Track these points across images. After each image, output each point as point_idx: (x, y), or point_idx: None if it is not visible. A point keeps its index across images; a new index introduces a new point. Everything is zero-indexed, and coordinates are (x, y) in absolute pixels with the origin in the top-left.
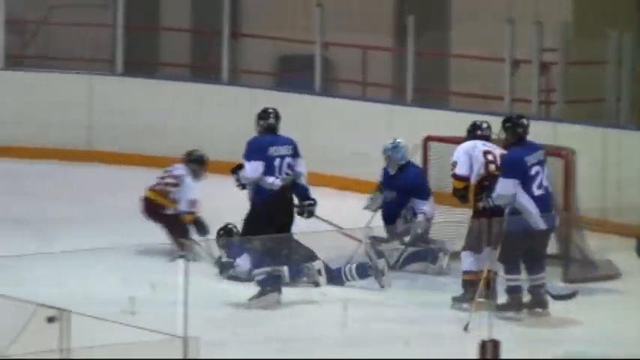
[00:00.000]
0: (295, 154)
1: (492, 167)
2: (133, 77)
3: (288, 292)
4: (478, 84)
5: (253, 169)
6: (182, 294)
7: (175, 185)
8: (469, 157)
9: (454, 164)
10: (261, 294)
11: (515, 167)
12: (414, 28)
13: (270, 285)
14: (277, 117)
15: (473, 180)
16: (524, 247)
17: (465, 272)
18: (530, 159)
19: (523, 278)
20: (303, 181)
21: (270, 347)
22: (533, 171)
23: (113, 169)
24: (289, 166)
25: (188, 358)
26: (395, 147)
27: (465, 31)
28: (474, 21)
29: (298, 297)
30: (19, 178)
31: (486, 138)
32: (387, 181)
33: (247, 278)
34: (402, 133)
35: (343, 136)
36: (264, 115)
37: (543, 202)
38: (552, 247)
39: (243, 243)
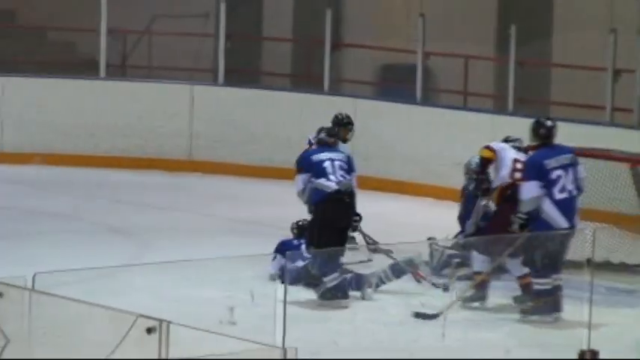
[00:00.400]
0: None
1: (518, 176)
2: (235, 87)
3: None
4: (580, 93)
5: None
6: (281, 304)
7: None
8: (504, 153)
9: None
10: (328, 297)
11: (533, 169)
12: (516, 37)
13: (341, 291)
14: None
15: (496, 183)
16: (548, 249)
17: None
18: (552, 162)
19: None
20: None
21: (369, 357)
22: (554, 175)
23: (213, 179)
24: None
25: None
26: None
27: (567, 40)
28: (576, 30)
29: (395, 306)
30: (120, 187)
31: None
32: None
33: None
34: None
35: (444, 146)
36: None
37: (566, 206)
38: None
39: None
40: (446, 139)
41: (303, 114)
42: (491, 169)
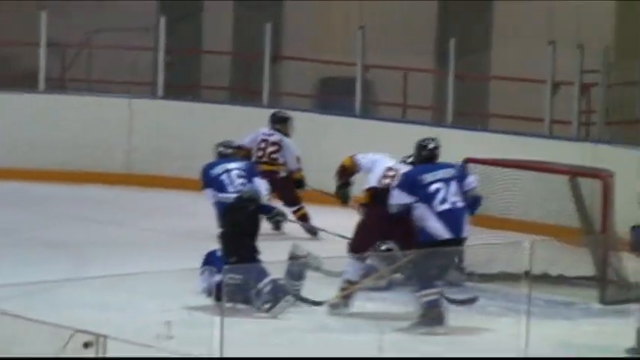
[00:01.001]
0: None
1: (386, 182)
2: (174, 100)
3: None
4: (518, 106)
5: None
6: (219, 318)
7: (278, 150)
8: (372, 163)
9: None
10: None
11: (405, 183)
12: (455, 49)
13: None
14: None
15: (364, 187)
16: (432, 260)
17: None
18: (428, 177)
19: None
20: None
21: None
22: (431, 188)
23: (152, 193)
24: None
25: None
26: None
27: (506, 53)
28: (515, 43)
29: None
30: (57, 201)
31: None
32: None
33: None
34: (442, 155)
35: None
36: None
37: (449, 218)
38: (589, 269)
39: None
40: (385, 151)
41: (243, 127)
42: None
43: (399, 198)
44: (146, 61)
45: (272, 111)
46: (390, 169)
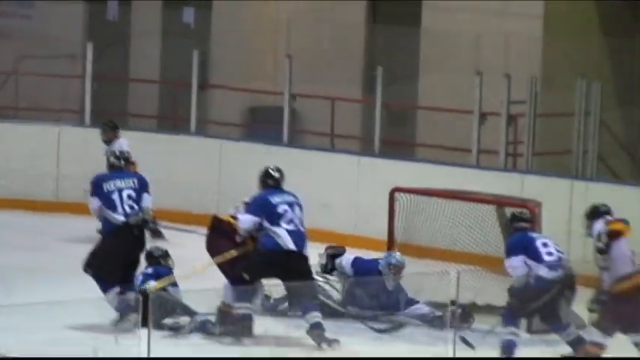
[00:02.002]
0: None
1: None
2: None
3: None
4: (446, 135)
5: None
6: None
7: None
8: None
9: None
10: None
11: (255, 202)
12: (383, 79)
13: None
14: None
15: None
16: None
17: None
18: (276, 198)
19: None
20: None
21: None
22: (280, 209)
23: (80, 220)
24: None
25: None
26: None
27: (433, 82)
28: (442, 73)
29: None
30: None
31: None
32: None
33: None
34: (369, 184)
35: (311, 187)
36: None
37: (294, 237)
38: None
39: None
40: (312, 181)
41: (170, 155)
42: None
43: (247, 221)
44: (74, 88)
45: (198, 139)
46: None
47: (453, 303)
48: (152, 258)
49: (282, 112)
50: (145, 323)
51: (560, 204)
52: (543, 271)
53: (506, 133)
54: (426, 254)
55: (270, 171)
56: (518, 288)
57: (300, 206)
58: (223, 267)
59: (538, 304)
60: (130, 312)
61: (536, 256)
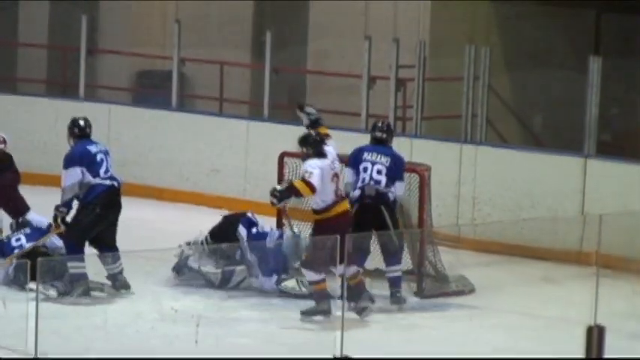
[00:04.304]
0: None
1: None
2: None
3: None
4: (335, 100)
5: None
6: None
7: None
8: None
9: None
10: None
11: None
12: (272, 43)
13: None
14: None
15: None
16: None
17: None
18: (93, 148)
19: None
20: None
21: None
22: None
23: None
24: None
25: None
26: None
27: (323, 47)
28: (331, 37)
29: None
30: None
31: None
32: None
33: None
34: (259, 149)
35: (200, 152)
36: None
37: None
38: (406, 262)
39: None
40: (201, 146)
41: (59, 120)
42: None
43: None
44: None
45: (87, 104)
46: None
47: (342, 267)
48: None
49: (171, 76)
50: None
51: (450, 168)
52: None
53: (395, 97)
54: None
55: (78, 120)
56: None
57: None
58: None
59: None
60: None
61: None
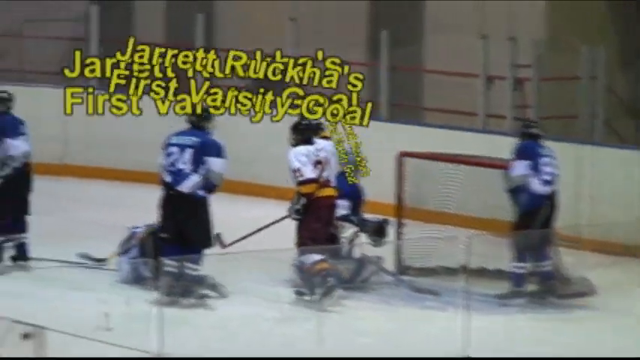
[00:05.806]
0: None
1: None
2: None
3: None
4: (452, 99)
5: None
6: (157, 309)
7: None
8: None
9: None
10: None
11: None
12: (388, 42)
13: None
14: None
15: None
16: None
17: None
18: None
19: None
20: None
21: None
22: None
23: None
24: None
25: None
26: None
27: (439, 46)
28: (447, 36)
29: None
30: None
31: None
32: None
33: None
34: (377, 149)
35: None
36: None
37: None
38: None
39: None
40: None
41: None
42: None
43: None
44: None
45: None
46: None
47: (463, 269)
48: None
49: None
50: None
51: (568, 168)
52: (535, 184)
53: (512, 97)
54: (436, 219)
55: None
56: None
57: None
58: None
59: (537, 222)
60: None
61: (536, 167)
